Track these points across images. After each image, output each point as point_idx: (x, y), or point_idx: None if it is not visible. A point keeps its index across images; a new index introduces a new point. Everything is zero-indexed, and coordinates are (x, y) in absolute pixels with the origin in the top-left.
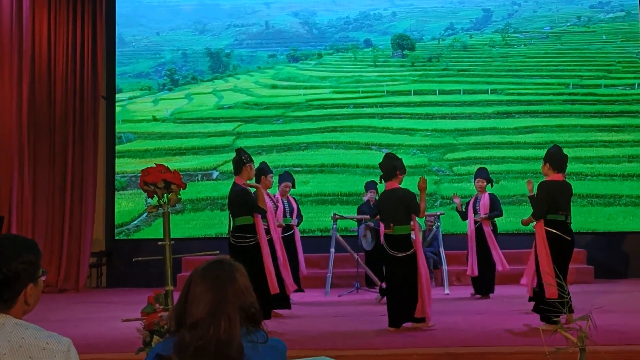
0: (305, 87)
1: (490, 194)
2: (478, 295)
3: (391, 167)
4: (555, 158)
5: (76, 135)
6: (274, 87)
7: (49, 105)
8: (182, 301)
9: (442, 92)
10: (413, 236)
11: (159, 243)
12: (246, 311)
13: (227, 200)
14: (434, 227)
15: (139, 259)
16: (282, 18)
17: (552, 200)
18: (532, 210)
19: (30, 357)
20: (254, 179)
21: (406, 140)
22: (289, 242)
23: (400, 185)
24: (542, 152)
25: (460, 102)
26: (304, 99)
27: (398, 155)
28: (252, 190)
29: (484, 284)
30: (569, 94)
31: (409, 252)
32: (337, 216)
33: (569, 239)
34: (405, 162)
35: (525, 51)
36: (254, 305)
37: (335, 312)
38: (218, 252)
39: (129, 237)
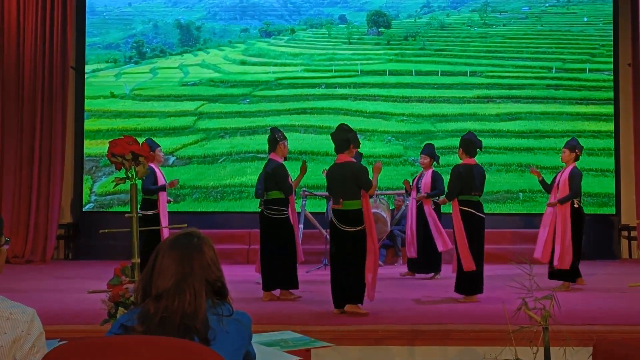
0: (276, 64)
1: (433, 172)
2: (409, 274)
3: (344, 139)
4: (467, 144)
5: (45, 105)
6: (243, 63)
7: (17, 73)
8: (148, 272)
9: (418, 73)
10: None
11: (126, 215)
12: (212, 284)
13: (259, 176)
14: (403, 205)
15: (106, 231)
16: None
17: (463, 183)
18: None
19: None
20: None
21: (381, 126)
22: None
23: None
24: (527, 143)
25: (438, 84)
26: (274, 77)
27: (372, 142)
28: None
29: (427, 262)
30: (552, 78)
31: (359, 228)
32: (306, 192)
33: (483, 216)
34: (380, 151)
35: (504, 32)
36: (220, 279)
37: (302, 288)
38: (185, 225)
39: (100, 210)
